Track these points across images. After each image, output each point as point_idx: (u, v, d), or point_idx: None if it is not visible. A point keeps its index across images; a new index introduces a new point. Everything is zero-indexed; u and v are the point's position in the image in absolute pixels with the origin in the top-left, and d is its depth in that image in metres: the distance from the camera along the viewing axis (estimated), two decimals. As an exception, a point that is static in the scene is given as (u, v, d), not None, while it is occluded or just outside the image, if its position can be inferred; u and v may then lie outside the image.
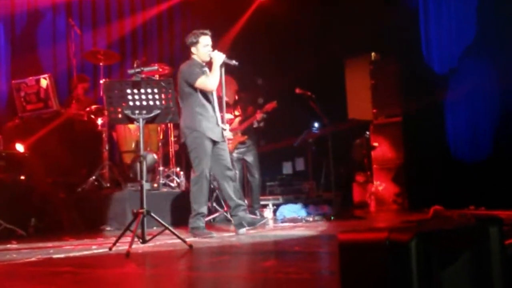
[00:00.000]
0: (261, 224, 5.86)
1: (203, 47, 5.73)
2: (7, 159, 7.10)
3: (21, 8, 9.38)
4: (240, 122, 7.86)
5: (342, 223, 7.01)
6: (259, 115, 7.80)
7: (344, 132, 9.60)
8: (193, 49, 5.78)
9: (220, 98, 5.97)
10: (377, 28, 9.12)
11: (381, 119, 9.65)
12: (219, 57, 5.66)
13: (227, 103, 7.90)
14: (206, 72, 5.69)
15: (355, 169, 9.98)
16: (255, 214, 7.65)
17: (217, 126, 5.73)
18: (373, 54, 9.97)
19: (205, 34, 5.75)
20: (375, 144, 9.64)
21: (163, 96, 4.71)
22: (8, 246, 5.66)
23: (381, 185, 9.35)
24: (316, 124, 9.65)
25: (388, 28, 8.88)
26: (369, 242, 1.75)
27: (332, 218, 7.41)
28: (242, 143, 7.85)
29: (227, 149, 5.91)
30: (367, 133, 9.84)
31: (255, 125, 7.86)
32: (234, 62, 5.79)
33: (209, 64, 5.75)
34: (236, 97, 8.02)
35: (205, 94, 5.71)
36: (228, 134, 6.01)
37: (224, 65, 5.78)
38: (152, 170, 7.81)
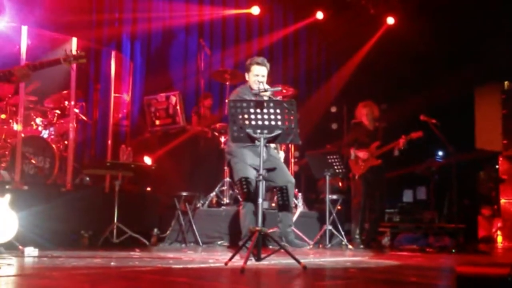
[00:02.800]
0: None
1: (253, 76, 5.69)
2: (135, 171, 7.47)
3: (157, 29, 9.93)
4: (378, 148, 7.77)
5: (464, 256, 6.69)
6: (402, 142, 7.67)
7: (470, 162, 9.22)
8: (246, 75, 5.81)
9: None
10: (511, 55, 8.72)
11: (511, 151, 9.17)
12: (266, 92, 5.50)
13: (366, 127, 7.91)
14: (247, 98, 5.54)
15: (481, 201, 9.53)
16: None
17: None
18: (506, 83, 9.54)
19: (258, 64, 5.69)
20: (504, 177, 9.15)
21: (285, 116, 4.75)
22: (132, 253, 5.93)
23: (510, 219, 8.83)
24: (440, 153, 9.33)
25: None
26: (490, 277, 1.66)
27: (453, 251, 7.11)
28: (375, 167, 7.75)
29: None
30: (496, 165, 9.37)
31: (396, 153, 7.73)
32: (278, 88, 5.77)
33: None
34: (377, 124, 7.98)
35: None
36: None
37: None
38: (271, 189, 7.89)
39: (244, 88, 5.79)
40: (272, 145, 5.71)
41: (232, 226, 7.37)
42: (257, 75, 5.68)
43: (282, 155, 5.92)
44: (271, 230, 6.92)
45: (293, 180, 5.80)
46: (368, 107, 8.01)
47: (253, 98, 5.45)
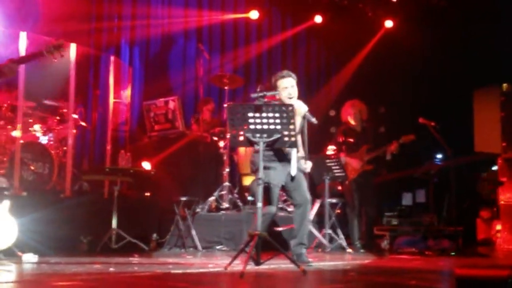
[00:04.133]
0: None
1: (283, 90, 5.50)
2: (134, 176, 7.48)
3: (156, 34, 9.93)
4: (368, 151, 7.74)
5: (463, 259, 6.69)
6: (394, 146, 7.62)
7: (469, 165, 9.21)
8: (276, 95, 5.54)
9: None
10: (510, 58, 8.73)
11: (510, 153, 9.17)
12: (300, 108, 5.40)
13: (353, 128, 7.87)
14: None
15: (480, 204, 9.52)
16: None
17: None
18: (504, 85, 9.54)
19: (283, 77, 5.52)
20: (503, 179, 9.15)
21: (284, 121, 4.76)
22: (131, 259, 5.93)
23: (506, 227, 8.82)
24: (439, 156, 9.33)
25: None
26: (489, 279, 1.65)
27: (453, 253, 7.10)
28: (366, 172, 7.73)
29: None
30: (495, 167, 9.36)
31: (388, 157, 7.68)
32: (314, 120, 5.46)
33: None
34: (365, 125, 7.93)
35: None
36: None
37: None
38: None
39: None
40: (300, 154, 5.58)
41: (232, 230, 7.36)
42: (286, 88, 5.47)
43: (309, 165, 5.75)
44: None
45: (310, 198, 5.65)
46: (355, 107, 7.88)
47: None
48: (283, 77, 5.52)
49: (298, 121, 5.30)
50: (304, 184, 5.61)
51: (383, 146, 7.70)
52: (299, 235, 5.50)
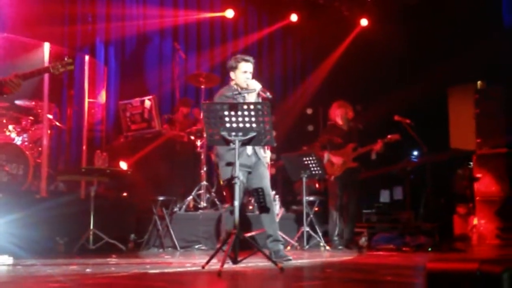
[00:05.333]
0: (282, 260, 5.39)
1: (242, 73, 5.55)
2: (111, 176, 7.42)
3: (131, 33, 9.87)
4: (354, 149, 7.79)
5: (440, 255, 6.76)
6: (380, 145, 7.69)
7: (445, 162, 9.30)
8: (231, 74, 5.63)
9: None
10: (483, 56, 8.84)
11: (485, 150, 9.28)
12: (255, 87, 5.47)
13: (340, 128, 7.92)
14: (237, 99, 5.43)
15: (456, 200, 9.62)
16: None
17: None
18: (479, 82, 9.66)
19: (246, 60, 5.58)
20: (479, 175, 9.26)
21: (259, 119, 4.76)
22: (108, 259, 5.89)
23: (485, 217, 8.94)
24: (415, 153, 9.42)
25: (495, 56, 8.58)
26: (459, 272, 1.68)
27: (430, 249, 7.17)
28: (351, 169, 7.78)
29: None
30: (470, 163, 9.47)
31: (374, 156, 7.74)
32: (268, 94, 5.49)
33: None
34: (351, 124, 8.00)
35: None
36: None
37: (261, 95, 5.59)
38: (248, 193, 7.88)
39: (228, 88, 5.63)
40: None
41: (210, 229, 7.36)
42: (246, 72, 5.54)
43: (268, 154, 5.83)
44: (257, 232, 6.93)
45: (267, 187, 5.65)
46: (342, 108, 8.00)
47: (240, 98, 5.39)
48: (246, 60, 5.57)
49: (253, 98, 5.40)
50: (264, 174, 5.61)
51: (369, 145, 7.76)
52: (272, 231, 5.51)
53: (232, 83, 5.65)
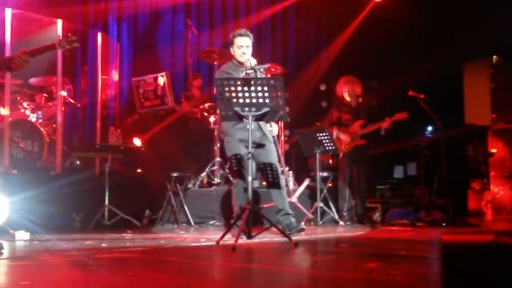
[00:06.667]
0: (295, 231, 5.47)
1: (237, 48, 5.56)
2: (125, 153, 7.47)
3: (143, 9, 9.85)
4: (362, 126, 7.75)
5: (454, 230, 6.75)
6: (387, 123, 7.64)
7: (459, 137, 9.24)
8: (231, 50, 5.66)
9: None
10: (499, 30, 8.71)
11: (500, 125, 9.20)
12: (251, 62, 5.34)
13: (348, 104, 7.88)
14: (232, 75, 5.42)
15: (470, 175, 9.57)
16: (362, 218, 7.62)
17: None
18: (494, 57, 9.54)
19: (241, 35, 5.57)
20: (493, 150, 9.19)
21: (273, 94, 4.74)
22: (123, 235, 5.95)
23: (499, 192, 8.90)
24: (429, 128, 9.36)
25: (511, 30, 8.47)
26: (474, 245, 1.67)
27: (444, 224, 7.16)
28: (359, 146, 7.75)
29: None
30: (485, 139, 9.40)
31: (383, 132, 7.70)
32: (265, 65, 5.50)
33: None
34: (360, 100, 7.94)
35: None
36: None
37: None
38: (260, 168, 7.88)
39: (231, 64, 5.67)
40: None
41: (224, 205, 7.39)
42: (241, 46, 5.54)
43: (275, 127, 5.80)
44: (266, 205, 6.93)
45: (275, 162, 5.66)
46: (349, 84, 7.91)
47: (240, 74, 5.37)
48: (240, 35, 5.56)
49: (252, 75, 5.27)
50: (272, 149, 5.63)
51: (377, 122, 7.71)
52: (282, 205, 5.53)
53: (233, 59, 5.67)
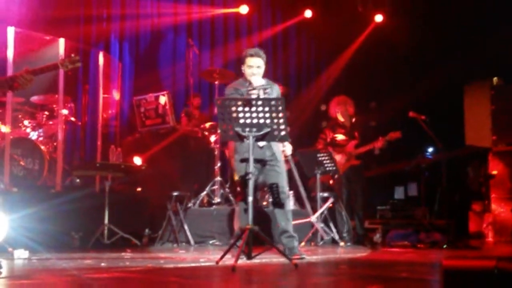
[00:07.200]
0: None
1: (247, 68, 5.50)
2: (125, 171, 7.45)
3: (145, 29, 9.92)
4: (356, 146, 7.77)
5: (455, 252, 6.72)
6: (381, 142, 7.65)
7: (460, 158, 9.24)
8: (242, 67, 5.60)
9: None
10: (500, 52, 8.76)
11: (501, 147, 9.21)
12: (256, 84, 5.34)
13: (342, 125, 7.89)
14: (239, 91, 5.42)
15: (471, 197, 9.56)
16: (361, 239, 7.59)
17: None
18: (495, 79, 9.57)
19: (252, 55, 5.50)
20: (494, 172, 9.19)
21: (273, 114, 4.74)
22: (123, 254, 5.92)
23: (500, 214, 8.87)
24: (430, 149, 9.37)
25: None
26: (476, 270, 1.66)
27: (444, 246, 7.13)
28: (355, 166, 7.75)
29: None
30: (486, 160, 9.40)
31: (377, 152, 7.70)
32: (267, 91, 5.36)
33: None
34: (353, 120, 7.96)
35: None
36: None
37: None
38: (261, 188, 7.86)
39: (241, 80, 5.62)
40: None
41: (224, 225, 7.36)
42: (251, 66, 5.48)
43: (288, 147, 5.72)
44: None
45: (283, 183, 5.60)
46: (341, 105, 7.92)
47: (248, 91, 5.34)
48: (251, 55, 5.49)
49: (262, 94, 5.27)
50: (282, 172, 5.54)
51: (371, 142, 7.73)
52: (286, 227, 5.47)
53: (244, 76, 5.62)
